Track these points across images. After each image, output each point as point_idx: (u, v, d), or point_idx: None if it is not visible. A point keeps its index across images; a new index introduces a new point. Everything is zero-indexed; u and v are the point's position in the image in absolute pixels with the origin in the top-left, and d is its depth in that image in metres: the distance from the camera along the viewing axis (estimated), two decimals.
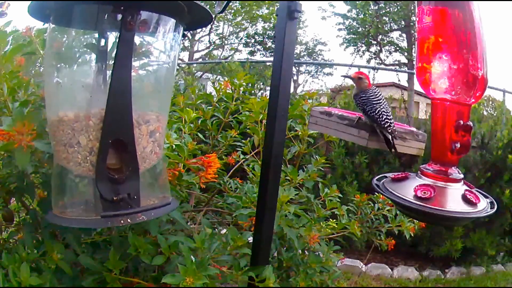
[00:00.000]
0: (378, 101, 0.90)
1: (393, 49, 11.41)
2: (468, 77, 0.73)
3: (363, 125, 0.92)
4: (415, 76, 0.85)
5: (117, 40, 0.58)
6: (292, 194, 1.10)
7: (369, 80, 0.97)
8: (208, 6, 0.67)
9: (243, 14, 12.77)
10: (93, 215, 0.61)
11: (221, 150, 1.34)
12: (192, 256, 0.74)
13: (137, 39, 0.63)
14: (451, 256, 3.08)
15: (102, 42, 0.65)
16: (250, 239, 0.89)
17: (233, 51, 13.98)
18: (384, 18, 10.45)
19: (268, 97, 0.89)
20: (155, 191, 0.70)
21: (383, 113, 0.87)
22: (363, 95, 0.92)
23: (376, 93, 0.92)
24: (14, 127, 0.65)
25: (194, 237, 0.81)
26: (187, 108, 1.23)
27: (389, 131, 0.87)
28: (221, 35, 13.47)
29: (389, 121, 0.87)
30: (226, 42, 13.75)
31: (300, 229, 1.09)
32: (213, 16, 0.71)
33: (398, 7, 10.37)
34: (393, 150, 0.89)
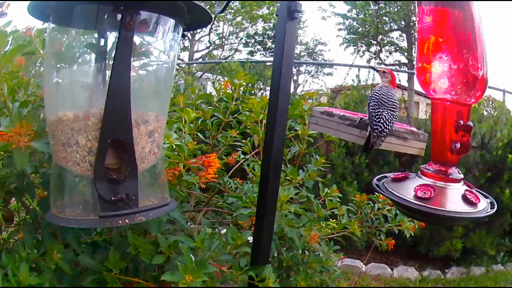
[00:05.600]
0: (384, 103, 0.89)
1: (393, 49, 11.41)
2: (468, 77, 0.73)
3: (364, 125, 0.92)
4: (415, 76, 0.85)
5: (117, 40, 0.58)
6: (292, 193, 1.10)
7: (395, 79, 0.95)
8: (208, 6, 0.67)
9: (243, 14, 12.76)
10: (91, 215, 0.61)
11: (221, 150, 1.34)
12: (192, 255, 0.74)
13: (136, 39, 0.63)
14: (451, 256, 3.08)
15: (102, 42, 0.65)
16: (250, 238, 0.88)
17: (233, 51, 13.98)
18: (384, 18, 10.44)
19: (268, 97, 0.89)
20: (153, 191, 0.69)
21: (382, 117, 0.87)
22: (376, 91, 0.92)
23: (388, 94, 0.90)
24: (12, 128, 0.64)
25: (194, 237, 0.81)
26: (187, 108, 1.23)
27: (375, 134, 0.87)
28: (221, 35, 13.48)
29: (381, 127, 0.86)
30: (226, 42, 13.76)
31: (300, 229, 1.09)
32: (213, 16, 0.71)
33: (398, 7, 10.36)
34: (366, 152, 0.90)
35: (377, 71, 0.97)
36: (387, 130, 0.87)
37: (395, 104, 0.90)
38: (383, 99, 0.90)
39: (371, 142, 0.88)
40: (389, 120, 0.87)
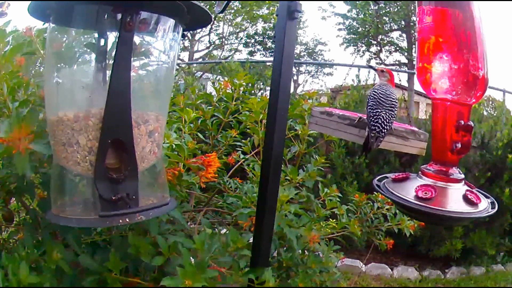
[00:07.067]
0: (382, 103, 0.88)
1: (393, 49, 11.41)
2: (468, 77, 0.73)
3: (363, 125, 0.91)
4: (415, 76, 0.84)
5: (117, 41, 0.58)
6: (292, 194, 1.09)
7: (393, 77, 0.95)
8: (208, 6, 0.67)
9: (243, 14, 12.76)
10: (92, 215, 0.61)
11: (221, 150, 1.34)
12: (191, 258, 0.74)
13: (136, 39, 0.63)
14: (451, 256, 3.08)
15: (102, 42, 0.65)
16: (251, 239, 0.88)
17: (233, 51, 13.99)
18: (384, 18, 10.44)
19: (268, 97, 0.89)
20: (154, 191, 0.69)
21: (380, 117, 0.86)
22: (375, 91, 0.91)
23: (386, 93, 0.89)
24: (11, 132, 0.64)
25: (194, 238, 0.81)
26: (187, 108, 1.23)
27: (372, 134, 0.86)
28: (221, 35, 13.48)
29: (379, 128, 0.86)
30: (226, 42, 13.76)
31: (300, 229, 1.09)
32: (213, 16, 0.71)
33: (398, 7, 10.36)
34: (364, 152, 0.91)
35: (375, 70, 0.97)
36: (385, 131, 0.86)
37: (393, 103, 0.89)
38: (382, 99, 0.89)
39: (370, 143, 0.87)
40: (388, 120, 0.87)
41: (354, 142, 0.96)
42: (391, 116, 0.87)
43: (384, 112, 0.87)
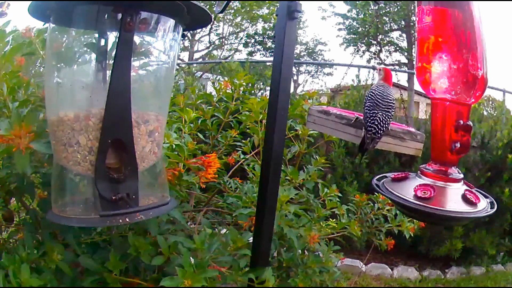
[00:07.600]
0: (379, 104, 0.88)
1: (393, 49, 11.42)
2: (468, 77, 0.73)
3: (360, 124, 0.91)
4: (415, 76, 0.85)
5: (117, 41, 0.58)
6: (292, 194, 1.09)
7: (391, 77, 0.94)
8: (208, 6, 0.67)
9: (243, 14, 12.77)
10: (92, 214, 0.61)
11: (221, 150, 1.34)
12: (191, 258, 0.74)
13: (136, 39, 0.63)
14: (451, 256, 3.08)
15: (102, 42, 0.65)
16: (251, 239, 0.88)
17: (233, 51, 13.99)
18: (384, 18, 10.44)
19: (268, 97, 0.89)
20: (154, 190, 0.70)
21: (377, 118, 0.86)
22: (372, 91, 0.91)
23: (383, 94, 0.89)
24: (12, 130, 0.64)
25: (194, 238, 0.81)
26: (187, 108, 1.23)
27: (368, 135, 0.86)
28: (221, 35, 13.49)
29: (375, 129, 0.86)
30: (226, 42, 13.76)
31: (300, 229, 1.09)
32: (213, 16, 0.71)
33: (398, 7, 10.37)
34: (360, 153, 0.91)
35: (374, 69, 0.97)
36: (381, 132, 0.86)
37: (390, 104, 0.89)
38: (378, 100, 0.89)
39: (365, 144, 0.87)
40: (384, 121, 0.87)
41: (351, 142, 0.96)
42: (388, 117, 0.87)
43: (380, 113, 0.87)
